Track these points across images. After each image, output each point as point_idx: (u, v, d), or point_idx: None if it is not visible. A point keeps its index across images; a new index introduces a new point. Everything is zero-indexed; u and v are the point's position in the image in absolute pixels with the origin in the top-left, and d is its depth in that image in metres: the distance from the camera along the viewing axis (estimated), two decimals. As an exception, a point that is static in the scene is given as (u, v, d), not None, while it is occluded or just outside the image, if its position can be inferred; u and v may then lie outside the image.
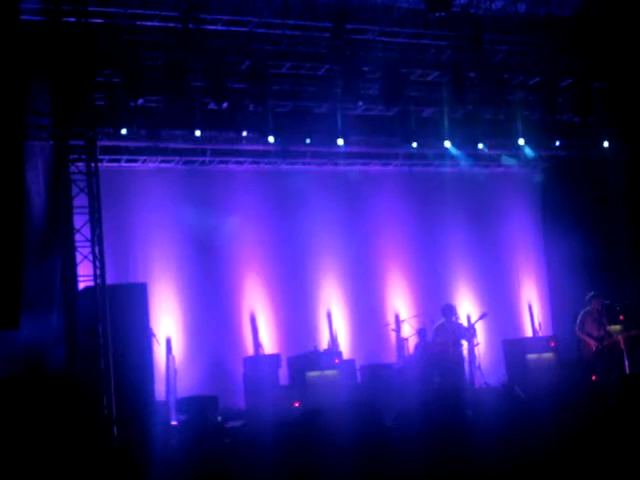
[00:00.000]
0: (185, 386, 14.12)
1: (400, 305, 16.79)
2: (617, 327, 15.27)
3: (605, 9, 12.33)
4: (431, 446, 10.22)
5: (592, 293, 14.55)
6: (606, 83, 15.68)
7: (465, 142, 16.11)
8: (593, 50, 14.37)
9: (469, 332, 14.91)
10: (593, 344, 14.18)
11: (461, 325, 14.92)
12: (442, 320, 14.67)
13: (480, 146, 16.18)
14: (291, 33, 13.42)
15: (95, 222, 11.85)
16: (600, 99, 15.67)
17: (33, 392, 10.81)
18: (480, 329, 15.68)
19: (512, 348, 15.98)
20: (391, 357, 16.02)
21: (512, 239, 18.01)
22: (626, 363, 14.86)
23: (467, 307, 16.76)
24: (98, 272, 11.79)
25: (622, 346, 14.54)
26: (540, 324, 17.51)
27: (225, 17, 12.83)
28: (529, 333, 17.48)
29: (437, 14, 12.77)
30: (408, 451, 10.33)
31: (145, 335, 12.23)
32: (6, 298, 10.13)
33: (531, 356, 15.50)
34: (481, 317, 15.17)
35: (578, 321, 14.40)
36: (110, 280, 11.99)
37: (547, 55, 15.02)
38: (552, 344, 15.73)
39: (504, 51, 14.84)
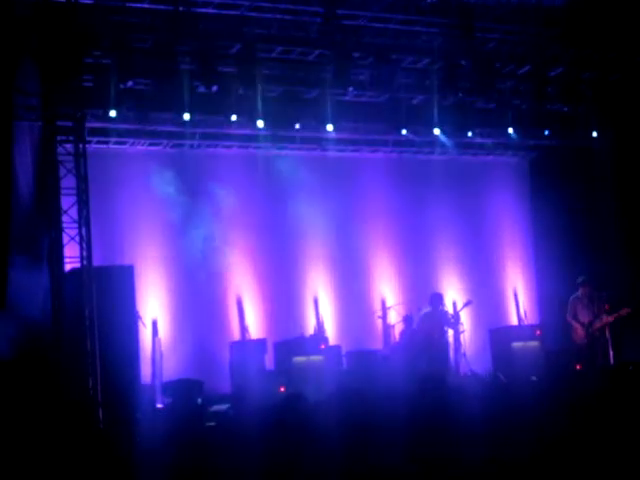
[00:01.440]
0: (171, 369, 14.10)
1: (387, 292, 16.82)
2: (603, 316, 15.33)
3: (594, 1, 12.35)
4: (415, 431, 10.26)
5: (581, 278, 14.62)
6: (595, 73, 15.69)
7: (455, 130, 16.11)
8: (583, 40, 14.38)
9: (454, 320, 14.96)
10: (581, 331, 14.25)
11: (447, 313, 14.96)
12: (428, 308, 14.71)
13: (470, 134, 16.17)
14: (282, 17, 13.38)
15: (82, 203, 11.82)
16: (589, 89, 15.69)
17: (19, 374, 10.78)
18: (466, 317, 15.73)
19: (498, 336, 16.03)
20: (377, 344, 16.06)
21: (500, 227, 18.05)
22: (610, 353, 14.98)
23: (453, 294, 16.79)
24: (85, 254, 11.77)
25: (607, 335, 14.65)
26: (526, 312, 17.57)
27: (216, 0, 12.78)
28: (515, 321, 17.53)
29: (429, 1, 12.75)
30: (392, 435, 10.37)
31: (131, 318, 12.22)
32: (-8, 279, 10.10)
33: (516, 344, 15.54)
34: (466, 305, 15.23)
35: (569, 307, 14.47)
36: (97, 262, 11.97)
37: (537, 44, 15.02)
38: (538, 332, 15.77)
39: (495, 39, 14.85)
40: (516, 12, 14.29)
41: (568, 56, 15.20)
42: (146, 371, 13.35)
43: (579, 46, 14.73)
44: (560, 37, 14.61)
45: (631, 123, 16.06)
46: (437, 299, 14.78)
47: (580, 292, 14.60)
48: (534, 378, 14.10)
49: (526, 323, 17.10)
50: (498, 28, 14.55)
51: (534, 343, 15.56)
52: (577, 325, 14.49)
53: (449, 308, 15.68)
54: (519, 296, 17.86)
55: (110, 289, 11.90)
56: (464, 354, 15.05)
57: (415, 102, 15.87)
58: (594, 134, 16.49)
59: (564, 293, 15.23)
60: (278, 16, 13.35)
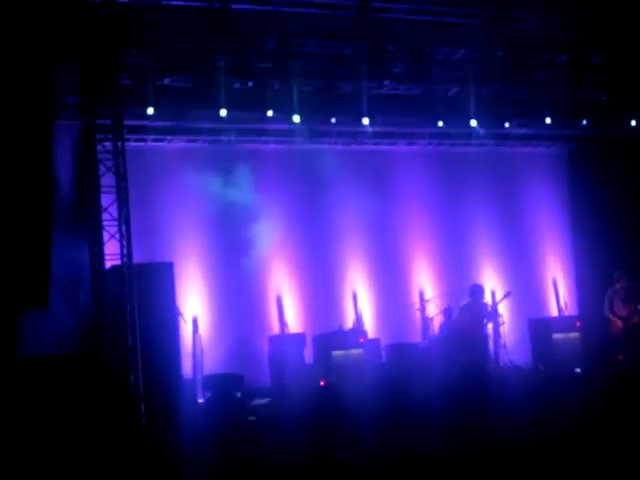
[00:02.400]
0: (211, 364, 14.21)
1: (425, 284, 16.79)
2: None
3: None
4: (454, 423, 10.27)
5: (618, 272, 14.51)
6: (634, 60, 15.50)
7: (492, 121, 16.02)
8: (621, 27, 14.21)
9: (493, 313, 14.91)
10: (620, 324, 14.15)
11: (486, 305, 14.92)
12: (468, 300, 14.68)
13: (507, 125, 16.07)
14: (316, 11, 13.37)
15: (122, 201, 11.94)
16: (629, 78, 15.51)
17: (62, 371, 10.92)
18: (505, 308, 15.68)
19: (537, 327, 15.96)
20: (416, 336, 16.05)
21: (538, 218, 17.93)
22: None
23: (492, 286, 16.73)
24: (125, 251, 11.89)
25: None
26: (566, 303, 17.45)
27: (250, -4, 12.84)
28: (555, 312, 17.43)
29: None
30: (431, 427, 10.40)
31: (172, 314, 12.32)
32: (35, 277, 10.23)
33: (557, 336, 15.47)
34: (505, 296, 15.17)
35: (606, 301, 14.37)
36: (137, 259, 12.08)
37: (574, 33, 14.88)
38: (578, 324, 15.68)
39: (531, 29, 14.72)
40: (552, 0, 14.17)
41: (607, 44, 15.01)
42: (187, 366, 13.46)
43: (617, 34, 14.55)
44: (597, 25, 14.45)
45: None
46: (477, 290, 14.75)
47: (617, 286, 14.48)
48: (578, 370, 14.05)
49: (566, 314, 16.99)
50: (534, 17, 14.43)
51: (574, 334, 15.48)
52: (615, 319, 14.39)
53: (488, 299, 15.64)
54: (559, 287, 17.74)
55: (151, 286, 12.01)
56: (504, 345, 15.02)
57: (451, 94, 15.80)
58: (632, 123, 16.31)
59: (604, 284, 15.12)
60: (312, 10, 13.34)
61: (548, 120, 15.83)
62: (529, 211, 17.86)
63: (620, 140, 16.77)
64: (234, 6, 12.75)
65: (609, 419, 9.86)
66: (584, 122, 16.27)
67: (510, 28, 14.00)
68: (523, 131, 17.03)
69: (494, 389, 13.01)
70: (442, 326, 15.31)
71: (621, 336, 14.34)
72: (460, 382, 13.33)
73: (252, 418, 12.62)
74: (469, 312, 14.53)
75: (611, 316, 14.52)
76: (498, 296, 15.76)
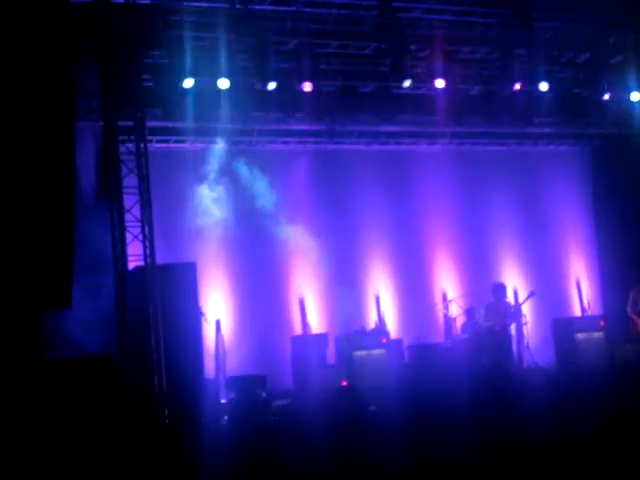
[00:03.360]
0: (234, 365, 14.21)
1: (448, 285, 16.74)
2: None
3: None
4: (478, 425, 10.23)
5: None
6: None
7: (514, 120, 15.96)
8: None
9: (517, 312, 14.82)
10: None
11: (510, 304, 14.84)
12: (492, 300, 14.60)
13: (529, 124, 16.00)
14: (337, 12, 13.39)
15: (145, 202, 11.97)
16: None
17: (86, 372, 10.95)
18: (528, 308, 15.59)
19: (561, 327, 15.86)
20: (439, 337, 15.99)
21: (561, 217, 17.83)
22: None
23: (515, 285, 16.65)
24: (148, 252, 11.92)
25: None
26: (589, 303, 17.34)
27: (272, -4, 12.86)
28: (579, 312, 17.33)
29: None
30: (454, 429, 10.35)
31: (194, 314, 12.32)
32: (58, 278, 10.25)
33: (580, 335, 15.37)
34: (529, 296, 15.07)
35: (629, 300, 14.28)
36: (160, 260, 12.10)
37: (596, 31, 14.81)
38: (602, 323, 15.57)
39: (553, 28, 14.67)
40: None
41: (628, 42, 14.92)
42: (210, 367, 13.47)
43: (638, 33, 14.47)
44: (619, 24, 14.37)
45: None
46: (500, 289, 14.66)
47: (636, 286, 14.36)
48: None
49: (590, 314, 16.89)
50: (555, 16, 14.37)
51: (598, 334, 15.37)
52: (636, 318, 14.27)
53: (511, 299, 15.56)
54: (582, 286, 17.64)
55: (173, 286, 12.02)
56: (527, 346, 14.93)
57: (473, 93, 15.75)
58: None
59: (629, 283, 15.02)
60: (333, 11, 13.36)
61: (571, 119, 15.76)
62: (552, 210, 17.76)
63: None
64: (255, 7, 12.78)
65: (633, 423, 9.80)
66: (607, 121, 16.17)
67: (531, 26, 13.91)
68: (545, 130, 16.97)
69: (518, 391, 12.96)
70: (465, 326, 15.25)
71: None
72: (484, 384, 13.29)
73: (274, 418, 12.62)
74: (494, 312, 14.44)
75: (633, 316, 14.41)
76: (521, 295, 15.67)
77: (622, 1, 14.08)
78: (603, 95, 15.37)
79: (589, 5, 14.16)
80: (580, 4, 14.19)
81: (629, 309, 14.42)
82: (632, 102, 15.43)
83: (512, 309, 14.80)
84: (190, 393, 11.89)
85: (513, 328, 15.08)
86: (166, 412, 11.58)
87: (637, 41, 14.81)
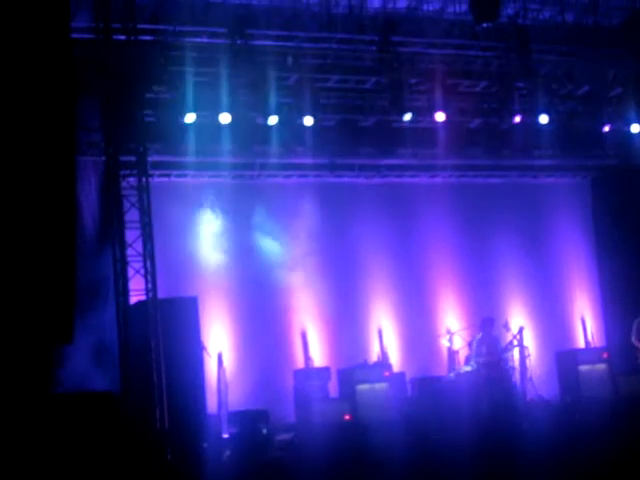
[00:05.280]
0: (236, 399, 14.15)
1: (451, 317, 16.68)
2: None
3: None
4: (483, 459, 10.16)
5: None
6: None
7: (514, 152, 16.01)
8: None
9: (507, 347, 14.74)
10: None
11: (498, 339, 14.74)
12: (480, 334, 14.55)
13: (530, 156, 16.06)
14: (337, 47, 13.53)
15: (146, 236, 11.98)
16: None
17: (89, 408, 10.91)
18: (532, 341, 15.55)
19: (564, 359, 15.79)
20: (442, 370, 15.92)
21: (563, 249, 17.81)
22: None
23: (519, 318, 16.60)
24: (150, 286, 11.91)
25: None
26: (593, 335, 17.28)
27: (272, 32, 12.97)
28: (582, 344, 17.26)
29: (484, 25, 12.75)
30: (459, 464, 10.28)
31: (196, 348, 12.29)
32: (60, 312, 10.24)
33: (583, 367, 15.30)
34: (519, 332, 14.98)
35: (634, 329, 14.23)
36: (161, 294, 12.09)
37: (595, 64, 14.91)
38: (605, 355, 15.51)
39: (552, 61, 14.78)
40: (572, 33, 14.23)
41: (627, 75, 15.01)
42: (212, 401, 13.41)
43: (637, 65, 14.56)
44: (618, 56, 14.47)
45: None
46: (487, 323, 14.62)
47: None
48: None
49: (593, 346, 16.82)
50: (555, 49, 14.49)
51: (601, 366, 15.29)
52: None
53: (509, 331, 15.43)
54: (586, 318, 17.58)
55: (175, 321, 12.01)
56: (530, 378, 14.85)
57: (473, 126, 15.82)
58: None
59: (631, 315, 14.97)
60: (334, 46, 13.49)
61: (570, 151, 15.81)
62: (554, 242, 17.74)
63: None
64: (256, 42, 12.88)
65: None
66: (607, 152, 16.23)
67: (530, 60, 14.01)
68: (546, 162, 16.99)
69: (522, 425, 12.89)
70: (468, 359, 15.19)
71: None
72: (487, 419, 13.23)
73: (277, 454, 12.53)
74: (483, 345, 14.39)
75: (637, 344, 14.34)
76: (514, 329, 15.51)
77: (621, 34, 14.18)
78: (603, 127, 15.44)
79: (588, 38, 14.28)
80: (579, 37, 14.31)
81: (634, 338, 14.36)
82: (632, 134, 15.49)
83: (500, 342, 14.72)
84: (192, 429, 11.84)
85: (516, 360, 15.00)
86: (168, 447, 11.50)
87: (636, 73, 14.89)
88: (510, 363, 14.68)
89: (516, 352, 15.00)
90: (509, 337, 14.89)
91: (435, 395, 14.38)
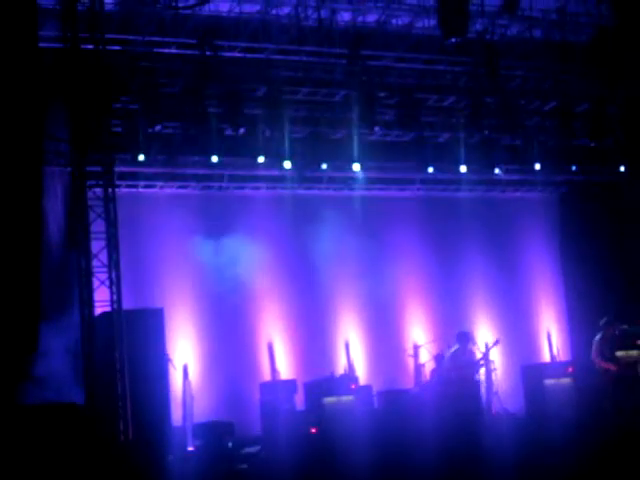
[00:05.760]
0: (202, 412, 14.09)
1: (418, 331, 16.73)
2: (634, 352, 15.14)
3: (619, 36, 12.38)
4: (447, 471, 10.18)
5: (605, 319, 14.45)
6: (621, 108, 15.66)
7: (482, 167, 16.10)
8: (608, 75, 14.37)
9: (484, 360, 14.79)
10: (614, 367, 14.02)
11: (474, 353, 14.78)
12: (456, 347, 14.59)
13: (497, 171, 16.13)
14: (307, 59, 13.55)
15: (112, 247, 11.89)
16: (616, 124, 15.66)
17: (51, 419, 10.81)
18: (498, 354, 15.61)
19: (530, 373, 15.88)
20: (408, 383, 15.95)
21: (530, 264, 17.93)
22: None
23: (485, 332, 16.68)
24: (115, 297, 11.82)
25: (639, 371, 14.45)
26: (558, 349, 17.39)
27: (242, 44, 12.97)
28: (548, 358, 17.36)
29: (452, 40, 12.82)
30: (424, 477, 10.29)
31: (161, 360, 12.24)
32: (25, 322, 10.17)
33: (549, 381, 15.40)
34: (494, 344, 15.06)
35: (594, 348, 14.26)
36: (127, 305, 12.01)
37: (563, 80, 15.05)
38: (570, 369, 15.61)
39: (520, 76, 14.90)
40: (540, 49, 14.35)
41: (594, 92, 15.16)
42: (177, 413, 13.35)
43: (604, 82, 14.70)
44: (585, 73, 14.61)
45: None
46: (464, 337, 14.65)
47: (604, 332, 14.36)
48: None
49: (558, 360, 16.92)
50: (523, 65, 14.61)
51: (566, 380, 15.40)
52: (606, 363, 14.23)
53: (480, 346, 15.53)
54: (552, 332, 17.70)
55: (140, 332, 11.94)
56: (496, 392, 14.91)
57: (441, 140, 15.91)
58: (622, 169, 16.41)
59: (597, 329, 15.03)
60: (304, 58, 13.50)
61: (538, 166, 15.91)
62: (521, 256, 17.86)
63: (610, 185, 16.87)
64: (226, 54, 12.88)
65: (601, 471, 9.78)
66: (574, 168, 16.36)
67: (499, 75, 14.11)
68: (514, 177, 17.10)
69: (486, 438, 12.93)
70: (434, 372, 15.22)
71: (614, 382, 14.17)
72: (452, 431, 13.25)
73: (243, 466, 12.49)
74: (457, 359, 14.42)
75: (602, 362, 14.35)
76: (488, 344, 15.61)
77: (587, 51, 14.32)
78: (569, 143, 15.56)
79: (556, 54, 14.41)
80: (547, 53, 14.43)
81: (594, 357, 14.34)
82: (599, 150, 15.64)
83: (475, 357, 14.76)
84: (157, 441, 11.75)
85: (482, 374, 15.06)
86: (132, 460, 11.41)
87: (603, 90, 15.04)
88: (477, 377, 14.73)
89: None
90: (480, 351, 14.94)
91: (401, 408, 14.41)
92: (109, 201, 11.96)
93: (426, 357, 15.80)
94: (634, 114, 15.84)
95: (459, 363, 14.31)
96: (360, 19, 13.48)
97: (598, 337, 14.36)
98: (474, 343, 14.93)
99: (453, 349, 14.57)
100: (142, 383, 11.73)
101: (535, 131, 15.70)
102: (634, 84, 15.08)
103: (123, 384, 11.54)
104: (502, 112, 14.93)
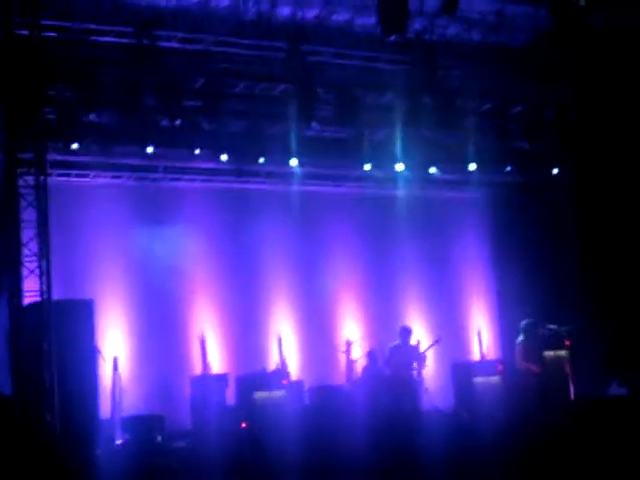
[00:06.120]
0: (131, 405, 13.96)
1: (350, 327, 16.79)
2: (562, 352, 15.42)
3: (554, 41, 12.55)
4: (377, 466, 10.24)
5: (527, 320, 14.65)
6: (555, 111, 15.88)
7: (418, 166, 16.19)
8: (543, 79, 14.56)
9: (421, 357, 14.88)
10: (537, 369, 14.21)
11: (415, 348, 14.87)
12: (397, 341, 14.66)
13: (432, 170, 16.24)
14: (246, 52, 13.46)
15: (43, 236, 11.69)
16: (550, 127, 15.88)
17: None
18: (430, 352, 15.71)
19: (460, 371, 16.04)
20: (340, 379, 16.00)
21: (463, 263, 18.12)
22: (571, 388, 15.04)
23: (417, 329, 16.78)
24: (44, 287, 11.64)
25: (567, 370, 14.71)
26: (489, 348, 17.59)
27: (180, 34, 12.83)
28: (478, 356, 17.56)
29: (392, 38, 12.87)
30: (354, 471, 10.34)
31: (91, 352, 12.12)
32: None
33: (478, 380, 15.57)
34: (435, 342, 15.15)
35: (517, 351, 14.44)
36: (57, 296, 11.83)
37: (499, 82, 15.21)
38: (499, 368, 15.80)
39: (458, 77, 15.01)
40: (478, 50, 14.48)
41: (529, 95, 15.35)
42: (106, 406, 13.21)
43: (539, 86, 14.89)
44: (521, 75, 14.78)
45: (591, 160, 16.24)
46: (405, 332, 14.73)
47: (526, 334, 14.55)
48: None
49: (488, 358, 17.12)
50: (461, 66, 14.72)
51: (495, 378, 15.58)
52: (529, 365, 14.40)
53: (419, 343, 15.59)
54: (482, 330, 17.91)
55: (70, 323, 11.80)
56: (426, 389, 15.01)
57: (378, 137, 15.95)
58: (555, 171, 16.66)
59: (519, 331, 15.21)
60: (242, 51, 13.42)
61: (473, 166, 16.06)
62: (455, 255, 18.05)
63: (543, 187, 17.11)
64: (163, 44, 12.74)
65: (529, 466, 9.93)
66: (508, 169, 16.54)
67: (437, 74, 14.20)
68: (449, 176, 17.22)
69: (417, 434, 13.04)
70: (366, 369, 15.26)
71: (537, 383, 14.34)
72: (384, 427, 13.33)
73: (172, 462, 12.39)
74: (398, 354, 14.49)
75: (525, 364, 14.49)
76: (423, 341, 15.72)
77: (525, 53, 14.49)
78: (503, 144, 15.73)
79: (494, 56, 14.55)
80: (485, 55, 14.57)
81: (518, 359, 14.48)
82: (531, 152, 15.84)
83: (416, 352, 14.84)
84: (84, 433, 11.63)
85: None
86: (59, 452, 11.24)
87: (538, 93, 15.23)
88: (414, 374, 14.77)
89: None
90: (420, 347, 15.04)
91: (332, 404, 14.44)
92: (40, 189, 11.75)
93: (358, 353, 15.85)
94: (568, 117, 16.08)
95: (397, 359, 14.37)
96: (300, 14, 13.44)
97: (521, 339, 14.56)
98: (416, 339, 14.98)
99: (393, 344, 14.64)
100: (70, 375, 11.60)
101: (471, 131, 15.82)
102: (569, 88, 15.33)
103: (51, 376, 11.37)
104: (439, 111, 15.01)
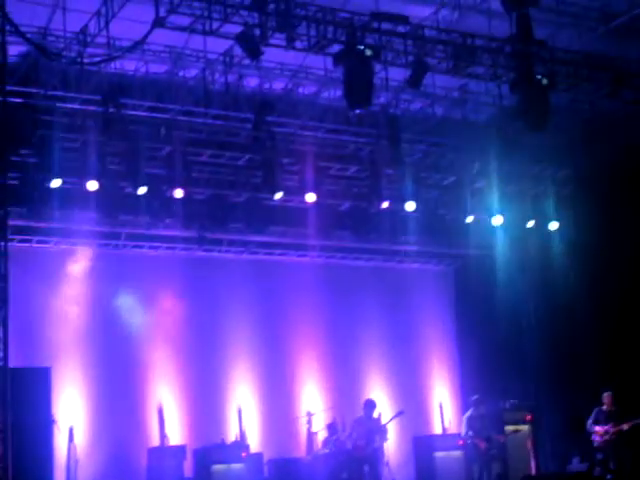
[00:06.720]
0: (86, 476, 13.71)
1: (312, 398, 16.64)
2: (524, 427, 15.37)
3: (517, 118, 12.75)
4: None
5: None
6: (514, 185, 16.11)
7: (381, 237, 16.28)
8: (504, 154, 14.75)
9: (383, 430, 14.73)
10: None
11: (377, 421, 14.71)
12: (361, 415, 14.50)
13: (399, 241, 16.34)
14: (212, 122, 13.57)
15: (1, 303, 11.51)
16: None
17: None
18: (392, 425, 15.58)
19: (421, 445, 15.93)
20: (301, 451, 15.80)
21: (426, 335, 18.09)
22: (532, 463, 14.98)
23: (380, 402, 16.63)
24: (1, 354, 11.41)
25: (529, 445, 14.69)
26: (450, 422, 17.49)
27: (147, 103, 12.91)
28: (439, 430, 17.44)
29: (357, 111, 13.03)
30: None
31: (46, 422, 11.90)
32: None
33: (439, 454, 15.45)
34: (397, 415, 15.00)
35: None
36: (14, 363, 11.61)
37: (462, 157, 15.42)
38: (460, 442, 15.67)
39: (421, 150, 15.21)
40: (441, 125, 14.72)
41: (490, 169, 15.54)
42: (60, 477, 12.92)
43: (502, 161, 15.09)
44: (483, 151, 14.99)
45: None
46: (369, 405, 14.58)
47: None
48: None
49: (450, 432, 17.00)
50: (423, 140, 14.93)
51: (457, 453, 15.43)
52: (475, 440, 14.27)
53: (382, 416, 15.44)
54: (443, 404, 17.82)
55: (25, 391, 11.56)
56: (387, 463, 14.83)
57: (343, 209, 16.06)
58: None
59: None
60: (209, 121, 13.52)
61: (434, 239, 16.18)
62: (419, 327, 18.02)
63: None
64: (130, 112, 12.78)
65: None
66: (469, 242, 16.65)
67: (400, 148, 14.36)
68: (412, 248, 17.32)
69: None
70: (326, 441, 15.08)
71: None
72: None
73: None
74: (361, 427, 14.31)
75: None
76: (386, 413, 15.58)
77: (487, 129, 14.70)
78: (466, 217, 15.87)
79: (456, 131, 14.77)
80: (447, 129, 14.79)
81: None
82: (493, 226, 15.99)
83: (380, 425, 14.67)
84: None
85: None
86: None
87: (499, 168, 15.42)
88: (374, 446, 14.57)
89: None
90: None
91: (292, 477, 14.23)
92: (1, 255, 11.60)
93: (320, 425, 15.68)
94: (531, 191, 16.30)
95: (359, 432, 14.20)
96: (267, 86, 13.60)
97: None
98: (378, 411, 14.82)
99: (357, 417, 14.47)
100: (25, 445, 11.31)
101: (434, 204, 15.98)
102: (532, 163, 15.60)
103: (5, 446, 11.08)
104: (402, 184, 15.18)
